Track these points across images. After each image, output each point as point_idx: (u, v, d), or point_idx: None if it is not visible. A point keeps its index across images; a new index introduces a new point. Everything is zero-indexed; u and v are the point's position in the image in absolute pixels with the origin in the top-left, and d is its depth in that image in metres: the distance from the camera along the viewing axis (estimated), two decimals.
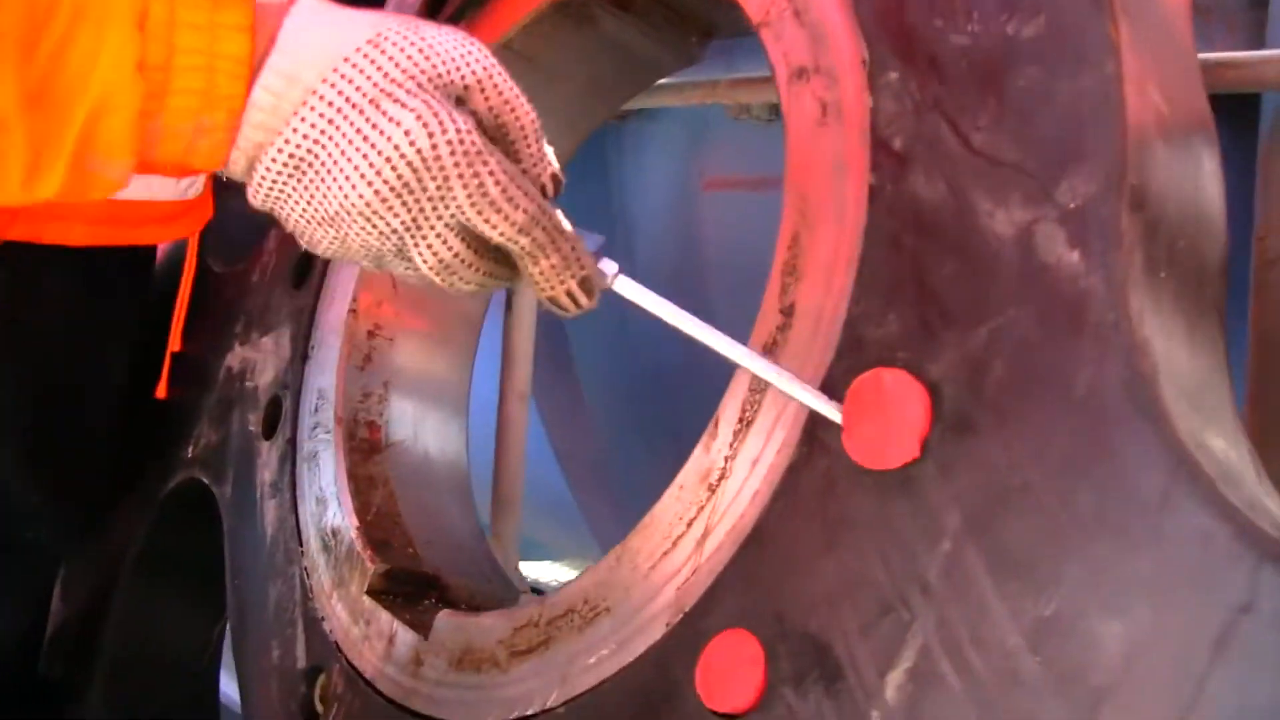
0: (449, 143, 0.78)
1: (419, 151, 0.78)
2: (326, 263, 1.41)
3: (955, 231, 0.76)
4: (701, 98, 1.53)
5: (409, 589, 1.14)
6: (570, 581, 0.94)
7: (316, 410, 1.32)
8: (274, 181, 0.81)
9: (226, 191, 1.75)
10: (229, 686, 1.85)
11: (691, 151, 1.79)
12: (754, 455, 0.83)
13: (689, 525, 0.86)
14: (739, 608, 0.80)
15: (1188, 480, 0.62)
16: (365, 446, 1.28)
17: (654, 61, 1.36)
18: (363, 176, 0.78)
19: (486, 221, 0.80)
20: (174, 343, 1.63)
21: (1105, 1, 0.74)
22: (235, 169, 0.83)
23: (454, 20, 1.38)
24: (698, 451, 0.88)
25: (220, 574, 1.40)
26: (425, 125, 0.78)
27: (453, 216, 0.80)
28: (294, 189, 0.81)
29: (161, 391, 1.62)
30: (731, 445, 0.85)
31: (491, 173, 0.79)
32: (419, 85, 0.79)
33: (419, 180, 0.78)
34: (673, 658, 0.83)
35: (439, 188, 0.79)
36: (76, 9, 0.75)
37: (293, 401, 1.36)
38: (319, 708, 1.15)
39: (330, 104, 0.79)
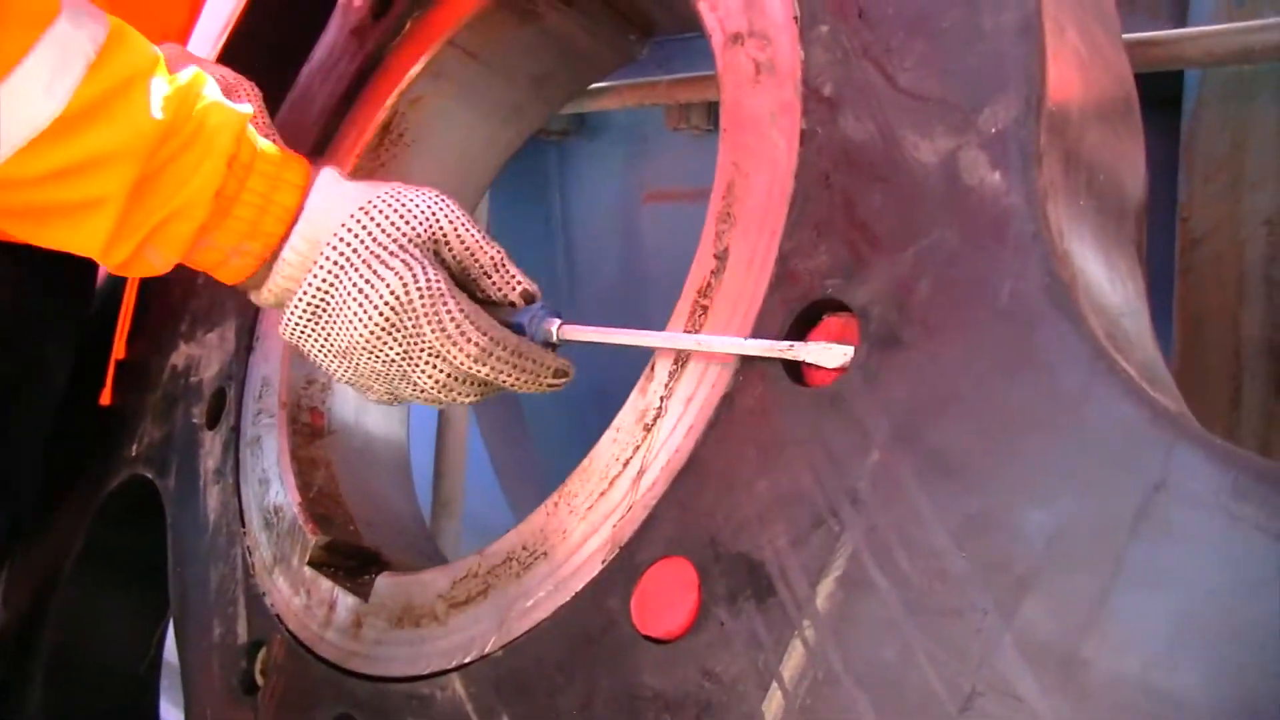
0: (419, 289, 0.95)
1: (397, 298, 0.95)
2: None
3: (882, 165, 0.78)
4: (640, 98, 1.56)
5: (350, 563, 1.14)
6: (510, 531, 0.95)
7: (260, 397, 1.32)
8: (298, 321, 1.00)
9: None
10: (168, 714, 1.84)
11: (631, 166, 1.82)
12: (688, 393, 0.85)
13: (625, 465, 0.87)
14: (674, 536, 0.81)
15: (1106, 373, 0.64)
16: (307, 431, 1.29)
17: (595, 57, 1.39)
18: (360, 320, 0.96)
19: (449, 353, 0.96)
20: (118, 350, 1.63)
21: None
22: (267, 301, 1.03)
23: (398, 21, 1.41)
24: (634, 395, 0.89)
25: (160, 576, 1.40)
26: (401, 278, 0.95)
27: (429, 349, 0.96)
28: (313, 328, 1.00)
29: (106, 398, 1.62)
30: (667, 385, 0.87)
31: (449, 312, 0.95)
32: (399, 246, 0.98)
33: (400, 321, 0.96)
34: (609, 591, 0.83)
35: (414, 326, 0.95)
36: (192, 136, 0.95)
37: (237, 391, 1.36)
38: (259, 680, 1.14)
39: (334, 262, 0.98)
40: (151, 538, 1.44)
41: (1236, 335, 1.18)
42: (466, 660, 0.92)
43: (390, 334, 0.96)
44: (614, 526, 0.86)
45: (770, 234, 0.84)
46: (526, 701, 0.86)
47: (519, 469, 1.97)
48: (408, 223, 0.99)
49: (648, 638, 0.80)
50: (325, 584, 1.11)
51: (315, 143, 1.44)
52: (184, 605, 1.31)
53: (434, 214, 1.00)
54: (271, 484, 1.24)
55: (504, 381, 0.98)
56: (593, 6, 1.34)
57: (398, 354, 0.97)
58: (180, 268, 1.02)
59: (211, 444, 1.36)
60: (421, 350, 0.96)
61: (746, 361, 0.81)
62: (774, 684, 0.72)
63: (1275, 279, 1.15)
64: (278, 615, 1.14)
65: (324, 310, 0.99)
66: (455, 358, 0.95)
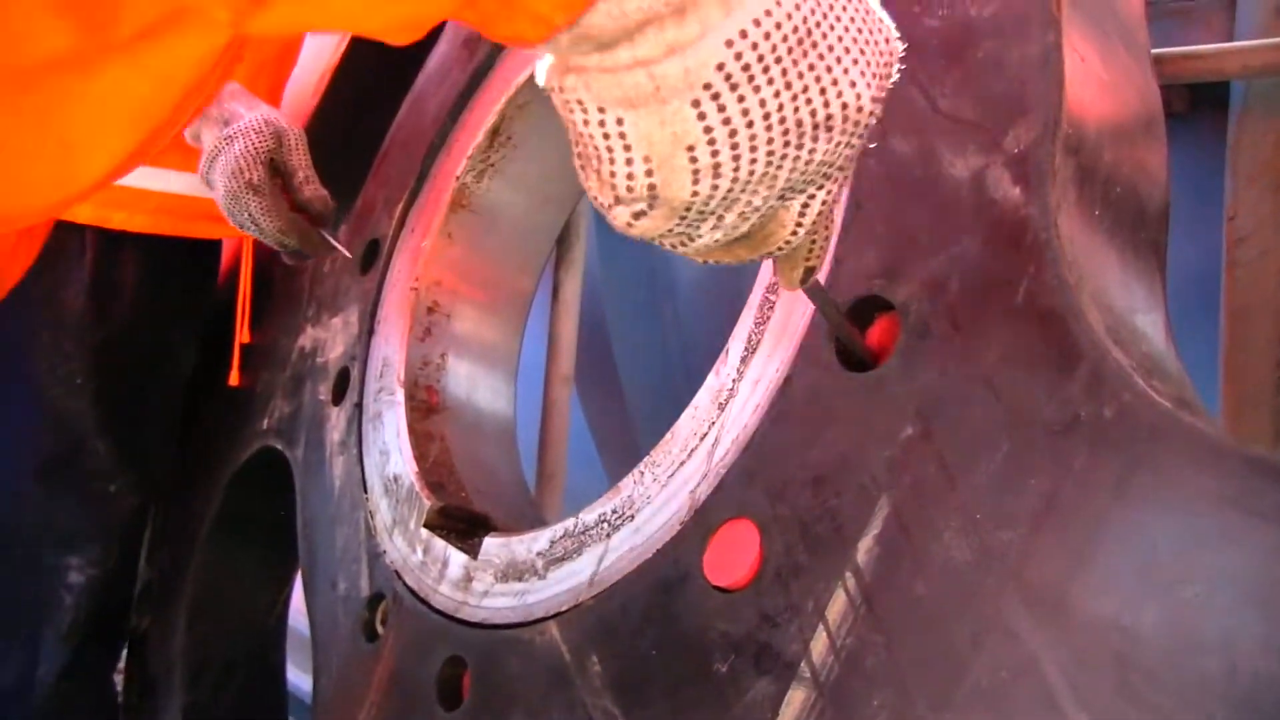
0: None
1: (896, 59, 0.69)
2: (391, 249, 1.57)
3: (922, 179, 0.90)
4: None
5: (461, 525, 1.28)
6: (602, 496, 1.08)
7: (381, 376, 1.47)
8: (757, 58, 0.61)
9: None
10: (297, 678, 2.01)
11: None
12: (756, 376, 0.97)
13: (701, 439, 1.00)
14: (740, 500, 0.94)
15: (1101, 363, 0.76)
16: (424, 407, 1.44)
17: None
18: (875, 73, 0.66)
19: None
20: (242, 334, 1.80)
21: None
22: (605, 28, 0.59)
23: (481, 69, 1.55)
24: (710, 377, 1.02)
25: (287, 539, 1.56)
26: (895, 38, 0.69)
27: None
28: (780, 73, 0.62)
29: (234, 379, 1.79)
30: (739, 370, 0.99)
31: None
32: None
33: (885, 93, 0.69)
34: (685, 548, 0.96)
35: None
36: None
37: (360, 370, 1.51)
38: (379, 629, 1.29)
39: None
40: (280, 503, 1.60)
41: (1279, 326, 1.27)
42: (562, 609, 1.06)
43: (878, 108, 0.67)
44: (690, 492, 0.98)
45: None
46: (613, 644, 1.00)
47: (617, 443, 2.11)
48: None
49: (717, 588, 0.92)
50: (439, 544, 1.25)
51: (430, 143, 1.58)
52: (312, 563, 1.47)
53: None
54: (391, 455, 1.38)
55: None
56: None
57: (858, 147, 0.69)
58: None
59: (337, 419, 1.51)
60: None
61: (804, 350, 0.93)
62: (820, 626, 0.84)
63: None
64: (396, 571, 1.29)
65: (813, 46, 0.62)
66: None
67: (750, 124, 0.62)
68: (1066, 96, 0.85)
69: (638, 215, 0.65)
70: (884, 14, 0.68)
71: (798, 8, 0.61)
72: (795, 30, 0.61)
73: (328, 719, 1.33)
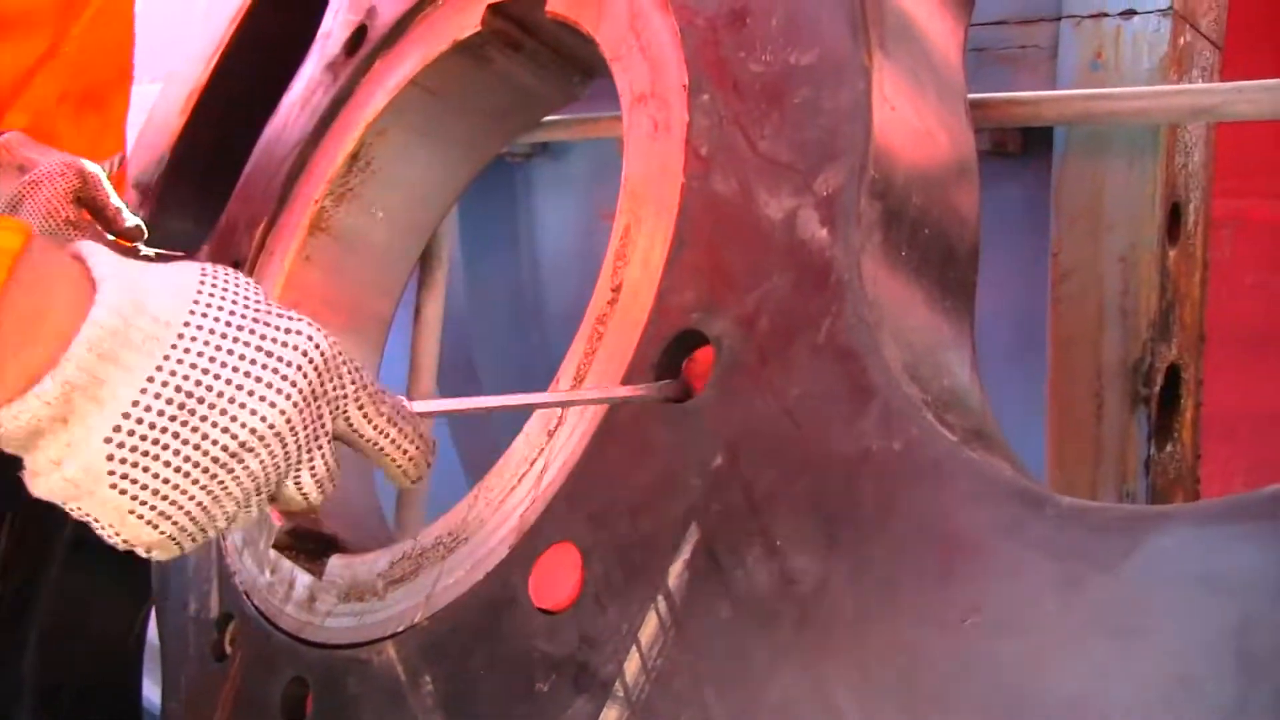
0: (331, 343, 0.82)
1: (321, 354, 0.80)
2: (250, 272, 1.58)
3: (740, 218, 0.94)
4: (586, 132, 1.72)
5: (311, 547, 1.30)
6: (439, 519, 1.11)
7: None
8: (143, 435, 0.72)
9: (165, 213, 1.93)
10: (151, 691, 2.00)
11: (590, 187, 1.98)
12: (584, 407, 1.01)
13: (531, 464, 1.03)
14: (564, 525, 0.97)
15: (892, 399, 0.80)
16: None
17: (543, 97, 1.54)
18: (279, 392, 0.77)
19: (366, 417, 0.86)
20: None
21: (862, 38, 0.93)
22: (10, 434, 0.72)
23: (367, 59, 1.57)
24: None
25: (143, 561, 1.55)
26: (314, 329, 0.81)
27: (342, 415, 0.84)
28: (171, 437, 0.73)
29: None
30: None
31: (360, 369, 0.85)
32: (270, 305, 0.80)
33: (322, 383, 0.80)
34: (512, 571, 0.99)
35: (335, 389, 0.82)
36: None
37: None
38: (228, 649, 1.30)
39: (213, 331, 0.75)
40: None
41: (1098, 358, 1.34)
42: (399, 630, 1.08)
43: (310, 404, 0.80)
44: (520, 516, 1.01)
45: (654, 272, 1.00)
46: (445, 664, 1.02)
47: (483, 464, 2.13)
48: (256, 290, 0.82)
49: (541, 610, 0.95)
50: (286, 564, 1.26)
51: (291, 167, 1.60)
52: (164, 583, 1.47)
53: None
54: None
55: (400, 453, 0.89)
56: (539, 53, 1.49)
57: (308, 434, 0.80)
58: None
59: None
60: (332, 421, 0.83)
61: (629, 380, 0.97)
62: (633, 647, 0.88)
63: (1128, 308, 1.31)
64: (245, 592, 1.30)
65: (200, 400, 0.74)
66: (377, 415, 0.86)
67: (166, 480, 0.73)
68: (874, 142, 0.90)
69: (147, 550, 0.78)
70: (287, 326, 0.80)
71: (166, 385, 0.73)
72: (170, 401, 0.73)
73: None
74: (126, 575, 1.77)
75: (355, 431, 0.86)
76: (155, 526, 0.75)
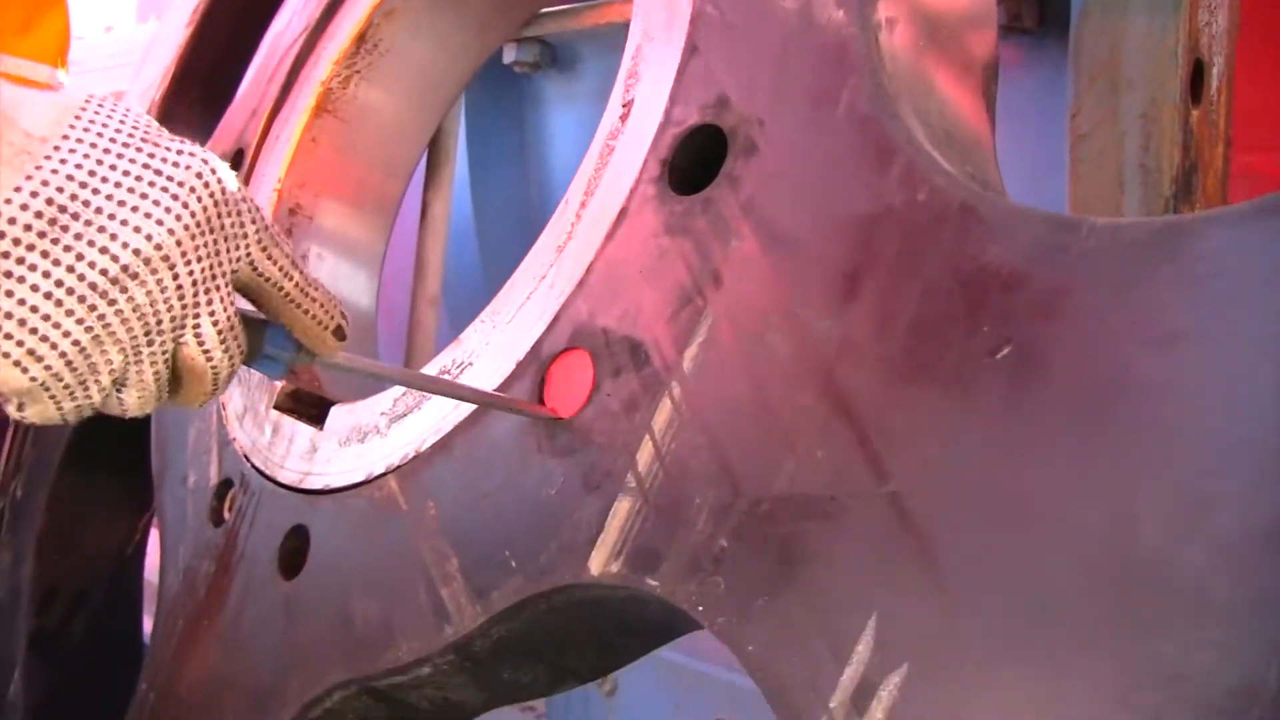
0: (232, 176, 0.75)
1: (220, 182, 0.73)
2: (255, 157, 1.55)
3: (755, 12, 0.92)
4: (595, 18, 1.70)
5: (312, 410, 1.27)
6: (444, 349, 1.08)
7: None
8: (4, 252, 0.65)
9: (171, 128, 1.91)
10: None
11: (598, 102, 1.95)
12: (595, 216, 0.98)
13: (540, 280, 1.00)
14: (574, 332, 0.94)
15: (916, 156, 0.78)
16: None
17: None
18: (168, 210, 0.69)
19: (271, 259, 0.78)
20: None
21: None
22: None
23: None
24: (550, 224, 1.02)
25: (144, 464, 1.52)
26: (213, 157, 0.73)
27: (240, 260, 0.76)
28: (40, 256, 0.66)
29: None
30: (578, 213, 1.00)
31: (262, 211, 0.78)
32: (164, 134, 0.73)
33: (220, 215, 0.73)
34: (519, 386, 0.96)
35: (233, 225, 0.74)
36: None
37: None
38: (226, 515, 1.27)
39: (94, 145, 0.68)
40: (135, 432, 1.56)
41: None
42: (402, 463, 1.05)
43: (203, 234, 0.71)
44: (528, 331, 0.98)
45: (666, 83, 0.97)
46: (452, 489, 0.99)
47: None
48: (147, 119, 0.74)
49: (550, 419, 0.92)
50: (288, 423, 1.24)
51: (297, 56, 1.57)
52: (164, 465, 1.44)
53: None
54: None
55: (300, 310, 0.81)
56: None
57: (203, 270, 0.72)
58: None
59: None
60: (231, 263, 0.75)
61: (642, 180, 0.94)
62: (646, 436, 0.85)
63: (1149, 167, 1.28)
64: (245, 455, 1.27)
65: (76, 216, 0.67)
66: (278, 260, 0.78)
67: (34, 307, 0.65)
68: None
69: (19, 408, 0.68)
70: (179, 148, 0.72)
71: (35, 197, 0.65)
72: (40, 215, 0.65)
73: (171, 611, 1.30)
74: (126, 484, 1.75)
75: (260, 275, 0.77)
76: (22, 368, 0.66)
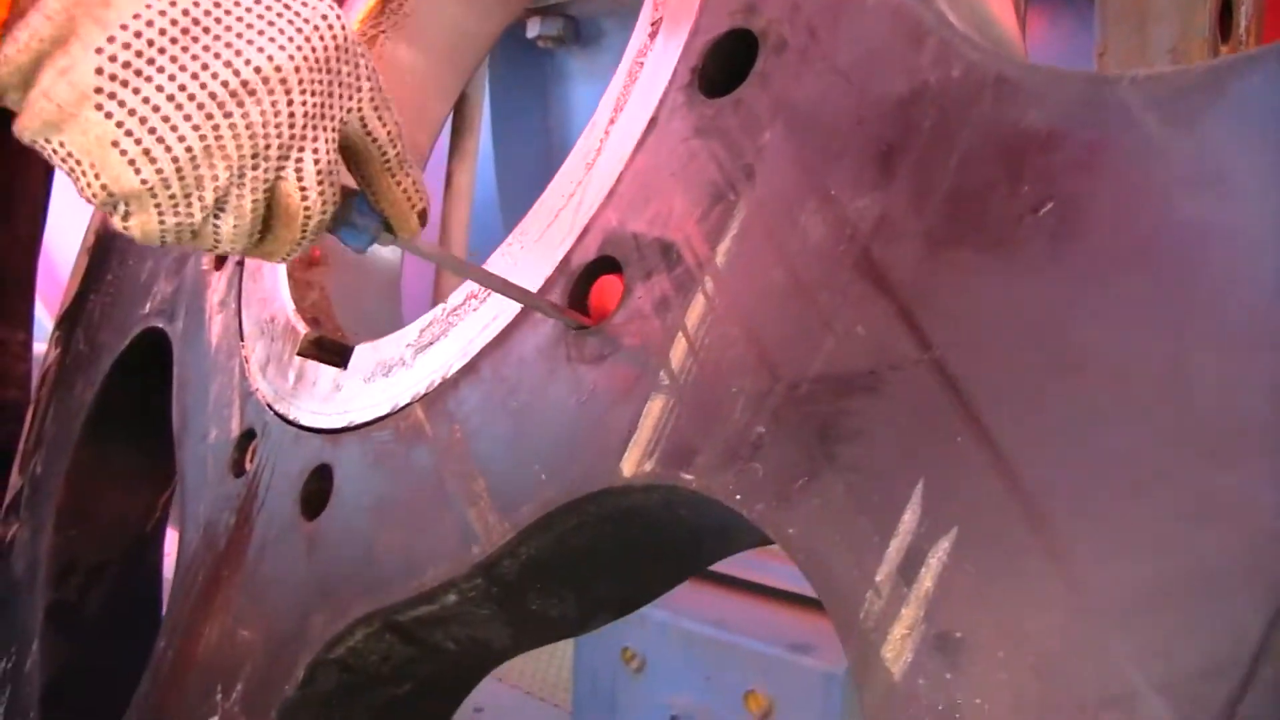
0: (355, 37, 0.78)
1: (344, 28, 0.76)
2: None
3: None
4: None
5: (335, 358, 1.25)
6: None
7: None
8: (139, 50, 0.68)
9: None
10: None
11: None
12: (623, 131, 0.97)
13: (568, 198, 0.99)
14: (603, 242, 0.93)
15: (947, 32, 0.76)
16: (305, 260, 1.41)
17: None
18: (290, 39, 0.72)
19: (382, 120, 0.81)
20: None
21: None
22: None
23: None
24: (579, 141, 1.01)
25: (166, 437, 1.51)
26: (339, 11, 0.76)
27: (352, 111, 0.78)
28: (169, 60, 0.68)
29: None
30: (606, 129, 0.99)
31: (379, 75, 0.80)
32: None
33: (338, 59, 0.76)
34: (549, 294, 0.95)
35: (350, 74, 0.77)
36: None
37: None
38: (248, 465, 1.26)
39: None
40: (158, 397, 1.55)
41: None
42: (428, 390, 1.03)
43: (320, 71, 0.74)
44: (556, 246, 0.97)
45: (695, 3, 0.96)
46: (480, 410, 0.98)
47: None
48: None
49: (580, 328, 0.91)
50: (310, 366, 1.22)
51: None
52: (184, 423, 1.43)
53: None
54: (270, 302, 1.36)
55: (395, 179, 0.84)
56: None
57: (315, 105, 0.75)
58: None
59: (218, 283, 1.48)
60: (341, 112, 0.77)
61: (671, 90, 0.93)
62: (679, 333, 0.83)
63: None
64: (268, 404, 1.26)
65: (206, 29, 0.70)
66: (387, 123, 0.81)
67: (156, 108, 0.68)
68: None
69: (125, 217, 0.71)
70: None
71: (174, 5, 0.68)
72: (175, 23, 0.68)
73: (190, 567, 1.28)
74: (146, 457, 1.74)
75: (369, 134, 0.81)
76: (136, 168, 0.68)
